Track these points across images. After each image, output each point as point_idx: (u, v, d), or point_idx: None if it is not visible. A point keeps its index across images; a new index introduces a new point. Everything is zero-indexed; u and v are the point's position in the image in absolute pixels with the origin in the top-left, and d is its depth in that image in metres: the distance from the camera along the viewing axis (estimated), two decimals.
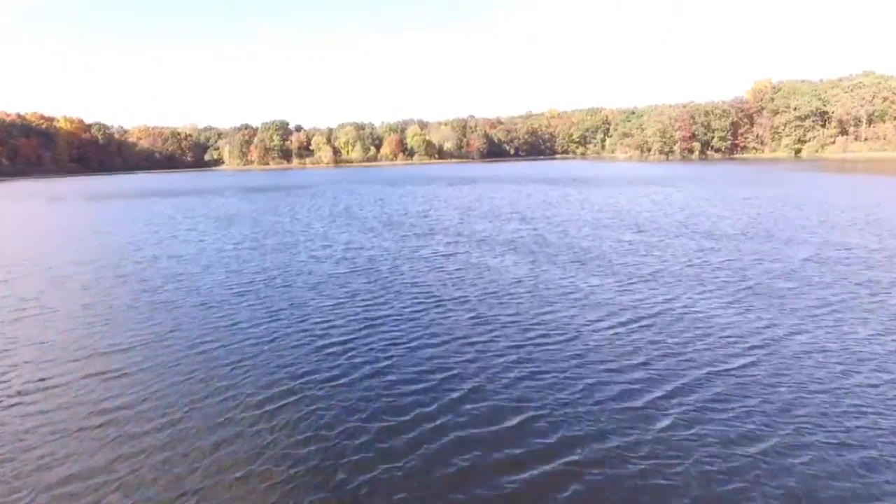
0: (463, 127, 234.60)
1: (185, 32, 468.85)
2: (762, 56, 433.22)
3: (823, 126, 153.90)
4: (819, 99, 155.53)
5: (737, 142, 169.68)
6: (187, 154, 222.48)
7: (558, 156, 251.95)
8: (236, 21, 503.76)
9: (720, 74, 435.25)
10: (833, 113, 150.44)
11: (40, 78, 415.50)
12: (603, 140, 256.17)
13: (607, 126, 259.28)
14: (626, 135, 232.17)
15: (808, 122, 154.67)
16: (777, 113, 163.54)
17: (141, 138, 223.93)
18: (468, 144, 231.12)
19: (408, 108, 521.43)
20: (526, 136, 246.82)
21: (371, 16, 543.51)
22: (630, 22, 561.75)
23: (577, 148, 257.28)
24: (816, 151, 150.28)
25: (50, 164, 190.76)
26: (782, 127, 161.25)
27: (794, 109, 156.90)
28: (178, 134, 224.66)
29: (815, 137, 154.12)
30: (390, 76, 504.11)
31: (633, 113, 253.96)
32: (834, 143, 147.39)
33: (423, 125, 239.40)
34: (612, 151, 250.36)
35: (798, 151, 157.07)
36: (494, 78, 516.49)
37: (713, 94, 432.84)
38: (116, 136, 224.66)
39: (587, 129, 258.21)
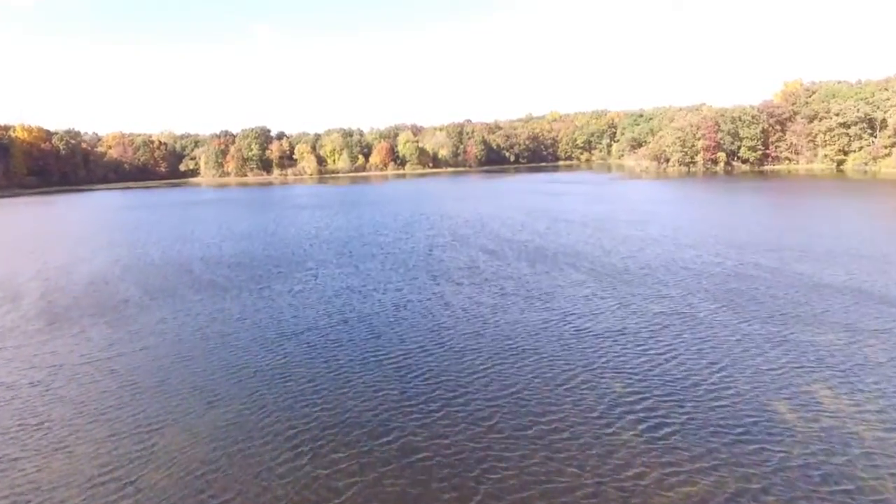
0: (459, 132, 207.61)
1: (173, 35, 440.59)
2: (773, 54, 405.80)
3: (872, 135, 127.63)
4: (867, 103, 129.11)
5: (767, 151, 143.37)
6: (161, 164, 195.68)
7: (562, 163, 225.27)
8: (227, 22, 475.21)
9: (730, 74, 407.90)
10: (886, 120, 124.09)
11: (9, 84, 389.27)
12: (609, 145, 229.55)
13: (613, 130, 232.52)
14: (635, 140, 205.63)
15: (853, 131, 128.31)
16: (814, 119, 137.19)
17: (111, 147, 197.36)
18: (465, 151, 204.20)
19: (400, 113, 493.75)
20: (527, 142, 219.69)
21: (362, 14, 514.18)
22: (633, 19, 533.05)
23: (581, 154, 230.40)
24: (866, 164, 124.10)
25: (2, 178, 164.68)
26: (821, 135, 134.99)
27: (837, 115, 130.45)
28: (151, 142, 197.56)
29: (861, 148, 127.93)
30: (381, 78, 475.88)
31: (641, 116, 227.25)
32: (889, 155, 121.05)
33: (416, 131, 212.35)
34: (620, 157, 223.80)
35: (840, 163, 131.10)
36: (492, 79, 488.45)
37: (724, 94, 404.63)
38: (85, 145, 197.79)
39: (592, 134, 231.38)
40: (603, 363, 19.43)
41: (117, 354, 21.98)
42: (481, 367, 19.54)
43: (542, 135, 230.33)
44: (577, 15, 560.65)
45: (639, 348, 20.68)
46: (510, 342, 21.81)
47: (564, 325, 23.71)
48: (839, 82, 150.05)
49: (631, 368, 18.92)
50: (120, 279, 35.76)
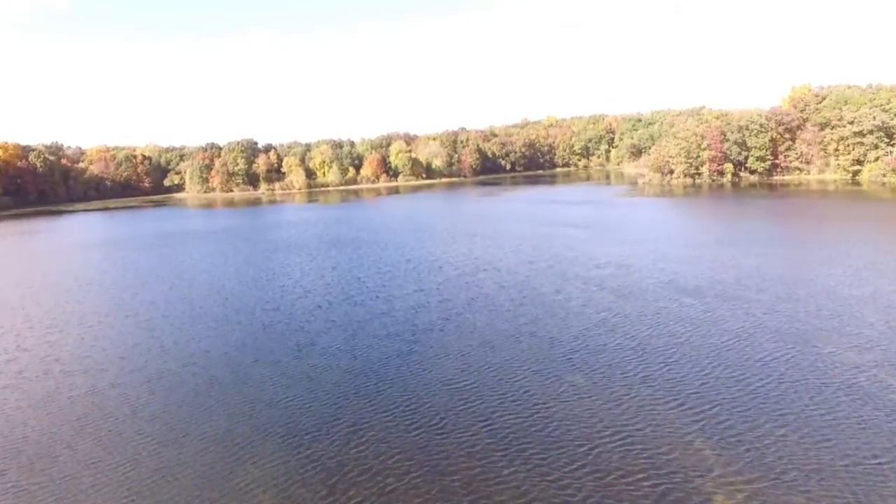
0: (453, 141, 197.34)
1: (166, 37, 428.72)
2: (774, 56, 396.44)
3: (890, 144, 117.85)
4: (883, 110, 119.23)
5: (777, 161, 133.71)
6: (144, 180, 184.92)
7: (559, 170, 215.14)
8: (220, 24, 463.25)
9: (730, 76, 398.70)
10: None
11: None
12: (608, 151, 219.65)
13: (611, 135, 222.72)
14: (635, 147, 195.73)
15: (869, 140, 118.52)
16: (826, 127, 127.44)
17: (92, 162, 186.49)
18: (459, 161, 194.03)
19: (392, 122, 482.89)
20: (523, 150, 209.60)
21: (357, 8, 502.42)
22: (631, 20, 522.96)
23: (578, 160, 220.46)
24: (884, 175, 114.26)
25: None
26: (834, 144, 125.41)
27: (851, 123, 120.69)
28: (135, 157, 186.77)
29: (878, 158, 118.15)
30: (373, 83, 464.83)
31: (640, 120, 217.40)
32: None
33: (408, 140, 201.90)
34: (619, 163, 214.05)
35: (856, 174, 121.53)
36: (487, 83, 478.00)
37: (725, 97, 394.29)
38: (66, 160, 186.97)
39: (590, 139, 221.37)
40: None
41: None
42: None
43: (539, 141, 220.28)
44: (573, 16, 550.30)
45: None
46: None
47: None
48: (850, 87, 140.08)
49: None
50: None
